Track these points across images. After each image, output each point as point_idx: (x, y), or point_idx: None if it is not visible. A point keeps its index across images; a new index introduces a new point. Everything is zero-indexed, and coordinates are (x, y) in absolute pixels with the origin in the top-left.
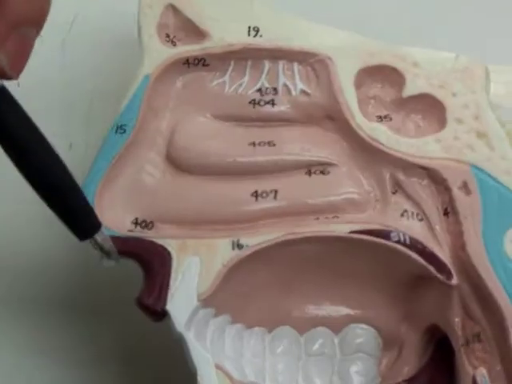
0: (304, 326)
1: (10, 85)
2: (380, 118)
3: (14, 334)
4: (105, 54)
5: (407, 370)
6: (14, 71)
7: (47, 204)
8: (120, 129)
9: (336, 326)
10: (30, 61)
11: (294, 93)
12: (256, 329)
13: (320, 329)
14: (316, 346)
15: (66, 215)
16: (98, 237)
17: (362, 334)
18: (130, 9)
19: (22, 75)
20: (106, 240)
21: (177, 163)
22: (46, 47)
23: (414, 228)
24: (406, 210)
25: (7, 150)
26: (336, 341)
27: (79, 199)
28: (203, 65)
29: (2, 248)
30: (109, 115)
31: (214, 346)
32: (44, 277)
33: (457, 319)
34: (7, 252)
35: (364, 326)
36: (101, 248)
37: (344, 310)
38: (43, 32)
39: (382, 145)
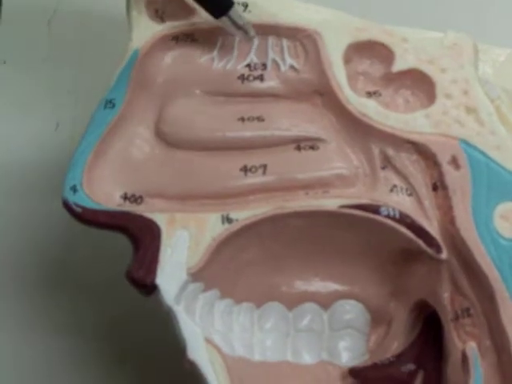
0: (292, 301)
1: None
2: (369, 94)
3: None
4: (91, 32)
5: (396, 345)
6: None
7: None
8: (109, 103)
9: (324, 301)
10: (16, 39)
11: (282, 68)
12: (244, 304)
13: (308, 304)
14: (305, 322)
15: None
16: (232, 14)
17: (351, 310)
18: None
19: (8, 54)
20: (241, 17)
21: (166, 138)
22: (32, 26)
23: (403, 203)
24: (395, 185)
25: None
26: (325, 317)
27: None
28: (192, 40)
29: None
30: (96, 95)
31: (203, 321)
32: (29, 252)
33: (446, 294)
34: None
35: (353, 301)
36: (236, 25)
37: (332, 286)
38: (29, 10)
39: (372, 120)
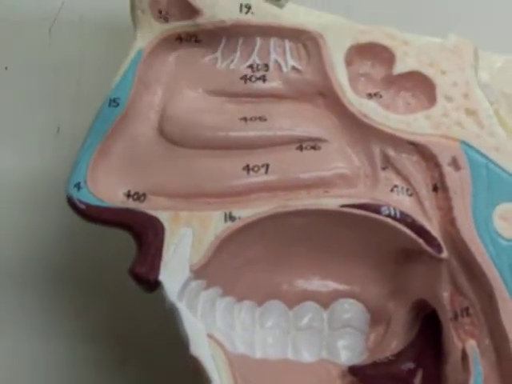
0: (293, 300)
1: None
2: (370, 96)
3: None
4: (92, 38)
5: (395, 344)
6: None
7: None
8: (113, 102)
9: (324, 300)
10: (18, 44)
11: (285, 69)
12: (246, 302)
13: (309, 303)
14: (305, 320)
15: None
16: None
17: (350, 309)
18: None
19: (10, 59)
20: None
21: (169, 137)
22: (33, 32)
23: (403, 203)
24: (395, 186)
25: None
26: (324, 315)
27: None
28: (195, 41)
29: None
30: (96, 100)
31: (204, 318)
32: (32, 256)
33: (445, 294)
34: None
35: (352, 300)
36: None
37: (332, 285)
38: (31, 17)
39: (373, 121)
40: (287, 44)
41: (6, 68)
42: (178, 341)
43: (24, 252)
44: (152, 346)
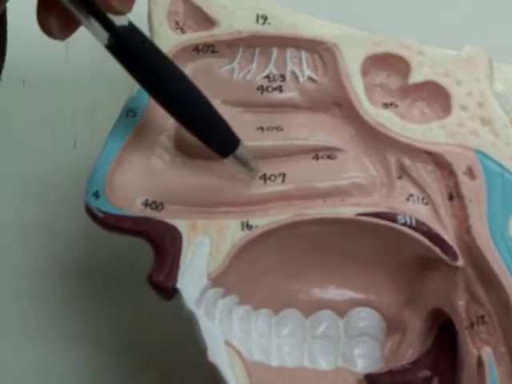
0: (309, 308)
1: (15, 83)
2: (386, 105)
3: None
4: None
5: (411, 353)
6: (127, 5)
7: (190, 130)
8: (131, 112)
9: (340, 309)
10: (35, 60)
11: (301, 79)
12: (263, 310)
13: (325, 312)
14: (321, 329)
15: (206, 136)
16: (238, 152)
17: (366, 318)
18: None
19: (27, 74)
20: (246, 154)
21: (186, 147)
22: (50, 47)
23: (419, 212)
24: (411, 195)
25: (152, 89)
26: (341, 324)
27: (216, 119)
28: (212, 51)
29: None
30: (112, 113)
31: (222, 326)
32: (48, 263)
33: (461, 302)
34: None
35: (368, 309)
36: (242, 163)
37: (349, 294)
38: None
39: (388, 130)
40: (303, 55)
41: (24, 82)
42: (195, 349)
43: (42, 261)
44: (169, 353)
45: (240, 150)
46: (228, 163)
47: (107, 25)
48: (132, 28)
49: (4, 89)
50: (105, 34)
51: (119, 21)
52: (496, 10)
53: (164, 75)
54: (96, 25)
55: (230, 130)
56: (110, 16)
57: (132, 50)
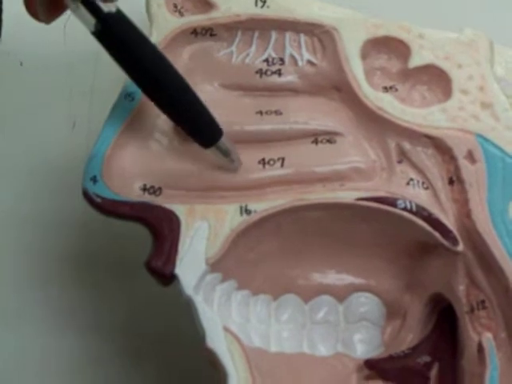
0: (308, 294)
1: (12, 68)
2: (386, 89)
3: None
4: None
5: (411, 338)
6: None
7: (173, 119)
8: (128, 96)
9: (340, 294)
10: (33, 42)
11: (300, 63)
12: (261, 296)
13: (324, 297)
14: (320, 314)
15: (190, 126)
16: (221, 143)
17: (366, 303)
18: None
19: (25, 56)
20: (229, 146)
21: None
22: (48, 28)
23: (419, 196)
24: (411, 179)
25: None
26: (340, 309)
27: (200, 109)
28: (210, 35)
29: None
30: (111, 95)
31: (221, 312)
32: (46, 249)
33: (461, 287)
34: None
35: (368, 294)
36: (225, 153)
37: (348, 279)
38: None
39: (388, 114)
40: (302, 38)
41: (21, 64)
42: (193, 336)
43: (40, 247)
44: (169, 341)
45: (223, 142)
46: (210, 154)
47: (94, 10)
48: (120, 15)
49: (1, 73)
50: (92, 20)
51: (107, 7)
52: None
53: (149, 64)
54: (83, 10)
55: (213, 121)
56: (98, 2)
57: (118, 37)
